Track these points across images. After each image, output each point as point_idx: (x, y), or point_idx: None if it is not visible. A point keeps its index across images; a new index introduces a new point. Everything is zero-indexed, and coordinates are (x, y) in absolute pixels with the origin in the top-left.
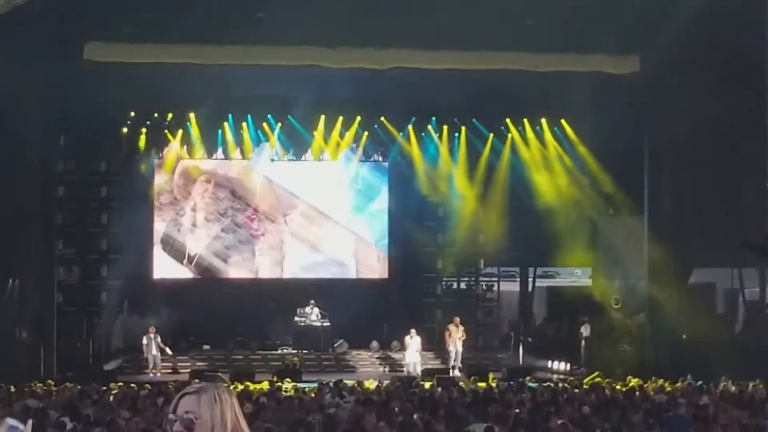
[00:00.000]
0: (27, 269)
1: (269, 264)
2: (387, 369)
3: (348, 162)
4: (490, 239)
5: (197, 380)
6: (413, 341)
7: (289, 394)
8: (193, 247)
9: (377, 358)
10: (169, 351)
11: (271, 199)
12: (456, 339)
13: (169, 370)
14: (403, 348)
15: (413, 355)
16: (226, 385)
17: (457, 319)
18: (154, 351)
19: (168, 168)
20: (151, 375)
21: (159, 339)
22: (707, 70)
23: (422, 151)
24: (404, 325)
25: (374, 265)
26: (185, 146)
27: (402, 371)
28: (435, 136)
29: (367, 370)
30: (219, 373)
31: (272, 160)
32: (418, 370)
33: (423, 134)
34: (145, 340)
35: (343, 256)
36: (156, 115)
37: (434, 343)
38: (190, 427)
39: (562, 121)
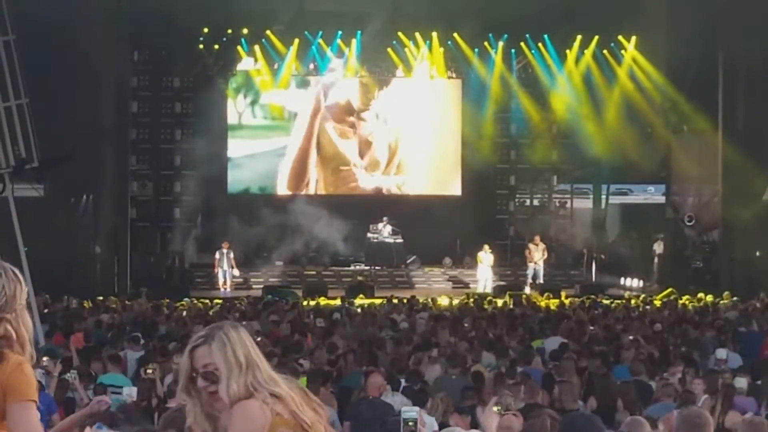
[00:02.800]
0: (101, 185)
1: (344, 179)
2: (460, 285)
3: (422, 78)
4: (564, 156)
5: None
6: (487, 257)
7: (362, 309)
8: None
9: (450, 274)
10: (236, 271)
11: (346, 116)
12: (536, 258)
13: (242, 286)
14: (475, 263)
15: (486, 270)
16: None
17: (537, 238)
18: (225, 266)
19: (266, 85)
20: (222, 290)
21: (232, 255)
22: None
23: (495, 68)
24: (477, 241)
25: (447, 182)
26: (260, 62)
27: (474, 288)
28: (508, 53)
29: (440, 286)
30: (291, 289)
31: (345, 77)
32: (489, 286)
33: (495, 51)
34: (217, 255)
35: (416, 173)
36: (230, 31)
37: (507, 260)
38: (214, 380)
39: (635, 37)
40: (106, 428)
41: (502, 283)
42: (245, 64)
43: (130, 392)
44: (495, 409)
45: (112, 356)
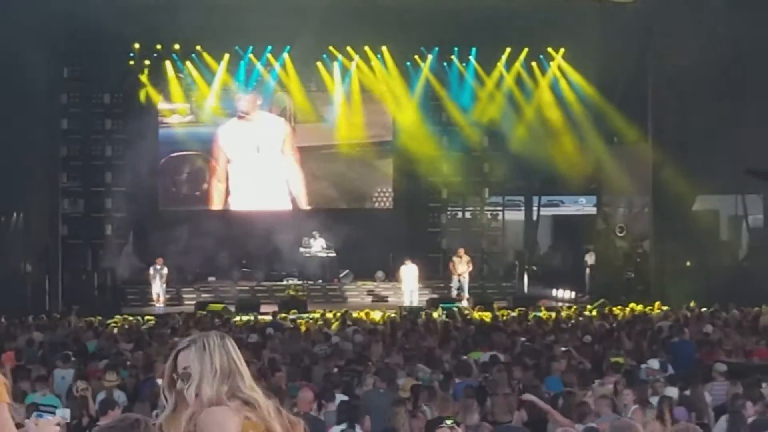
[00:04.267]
0: (32, 202)
1: (274, 195)
2: (380, 300)
3: (353, 91)
4: (495, 168)
5: (202, 312)
6: (408, 269)
7: (294, 324)
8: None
9: (383, 288)
10: (163, 286)
11: (277, 131)
12: (460, 271)
13: (175, 302)
14: (399, 278)
15: (410, 283)
16: (224, 318)
17: (461, 251)
18: (159, 282)
19: (177, 97)
20: (156, 306)
21: (165, 270)
22: None
23: (424, 81)
24: (409, 255)
25: (379, 196)
26: (188, 78)
27: (396, 301)
28: (440, 66)
29: (373, 300)
30: (224, 304)
31: (275, 92)
32: (416, 299)
33: (424, 64)
34: (151, 271)
35: (348, 187)
36: (159, 47)
37: (439, 273)
38: (187, 379)
39: (565, 49)
40: (46, 415)
41: (435, 296)
42: (176, 79)
43: (63, 414)
44: (448, 422)
45: (39, 377)
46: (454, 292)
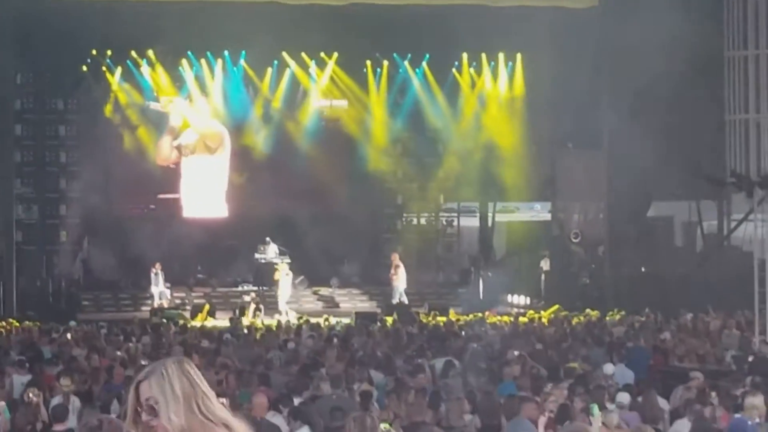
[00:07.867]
0: None
1: (228, 200)
2: (346, 305)
3: (308, 99)
4: (450, 174)
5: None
6: (283, 272)
7: (249, 330)
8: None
9: (338, 294)
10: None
11: (230, 137)
12: (395, 275)
13: (130, 308)
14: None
15: (284, 291)
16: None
17: (395, 256)
18: (161, 287)
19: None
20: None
21: (162, 275)
22: (666, 3)
23: (382, 89)
24: (364, 260)
25: (334, 201)
26: (143, 83)
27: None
28: (394, 73)
29: (328, 306)
30: (179, 311)
31: (228, 98)
32: (284, 306)
33: (380, 71)
34: (152, 275)
35: (303, 193)
36: (109, 52)
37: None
38: (153, 413)
39: (521, 55)
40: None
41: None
42: (131, 84)
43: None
44: (383, 426)
45: None
46: (395, 299)
